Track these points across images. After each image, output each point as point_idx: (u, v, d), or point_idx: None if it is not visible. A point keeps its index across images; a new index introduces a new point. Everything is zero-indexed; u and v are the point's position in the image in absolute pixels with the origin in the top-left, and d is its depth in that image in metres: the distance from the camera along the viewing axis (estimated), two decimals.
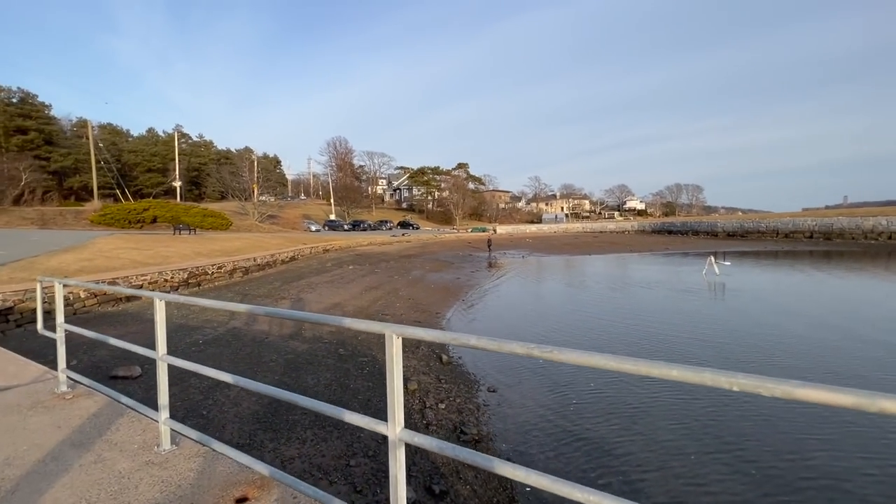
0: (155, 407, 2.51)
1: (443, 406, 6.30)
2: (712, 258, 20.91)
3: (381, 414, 5.91)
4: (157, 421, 2.34)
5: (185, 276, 14.38)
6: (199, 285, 15.02)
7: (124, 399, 2.70)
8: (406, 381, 7.19)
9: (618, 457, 5.16)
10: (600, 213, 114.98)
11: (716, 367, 0.86)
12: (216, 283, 16.07)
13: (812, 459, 5.09)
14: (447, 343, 1.24)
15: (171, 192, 65.54)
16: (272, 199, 63.11)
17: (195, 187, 76.95)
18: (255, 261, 19.49)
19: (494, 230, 65.79)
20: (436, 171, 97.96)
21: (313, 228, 56.06)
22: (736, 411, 6.32)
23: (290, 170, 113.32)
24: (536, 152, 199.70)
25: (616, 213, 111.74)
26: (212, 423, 5.45)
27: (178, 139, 67.27)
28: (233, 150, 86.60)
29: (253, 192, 55.33)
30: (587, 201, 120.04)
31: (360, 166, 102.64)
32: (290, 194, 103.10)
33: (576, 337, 10.66)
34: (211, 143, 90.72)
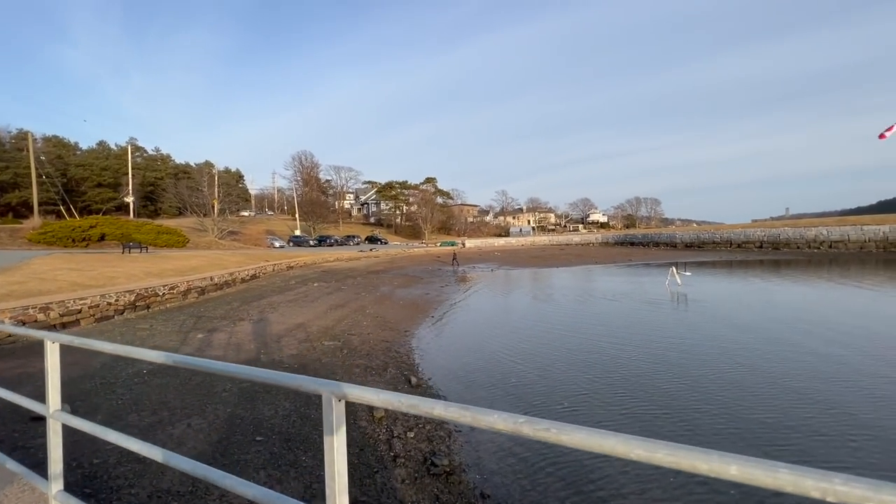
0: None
1: (411, 435, 5.89)
2: (674, 269, 21.52)
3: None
4: (47, 493, 1.87)
5: (132, 298, 13.30)
6: (147, 308, 13.92)
7: (11, 464, 2.18)
8: (372, 407, 6.74)
9: (595, 482, 4.90)
10: (565, 226, 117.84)
11: (786, 458, 0.57)
12: (168, 306, 14.97)
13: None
14: (405, 410, 0.93)
15: (123, 209, 62.03)
16: (245, 214, 60.82)
17: (150, 203, 73.19)
18: (212, 280, 18.40)
19: (463, 244, 65.91)
20: (404, 185, 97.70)
21: (277, 244, 54.26)
22: (711, 425, 6.25)
23: (254, 184, 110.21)
24: (503, 167, 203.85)
25: (580, 226, 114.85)
26: (149, 469, 4.81)
27: (132, 152, 64.00)
28: (192, 164, 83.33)
29: (213, 207, 53.13)
30: (552, 215, 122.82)
31: (327, 181, 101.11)
32: (253, 209, 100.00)
33: (547, 357, 10.47)
34: (168, 156, 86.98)
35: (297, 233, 65.94)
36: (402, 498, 4.56)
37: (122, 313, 12.80)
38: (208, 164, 75.75)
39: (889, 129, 44.47)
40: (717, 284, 22.56)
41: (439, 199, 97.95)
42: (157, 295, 14.40)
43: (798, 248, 43.22)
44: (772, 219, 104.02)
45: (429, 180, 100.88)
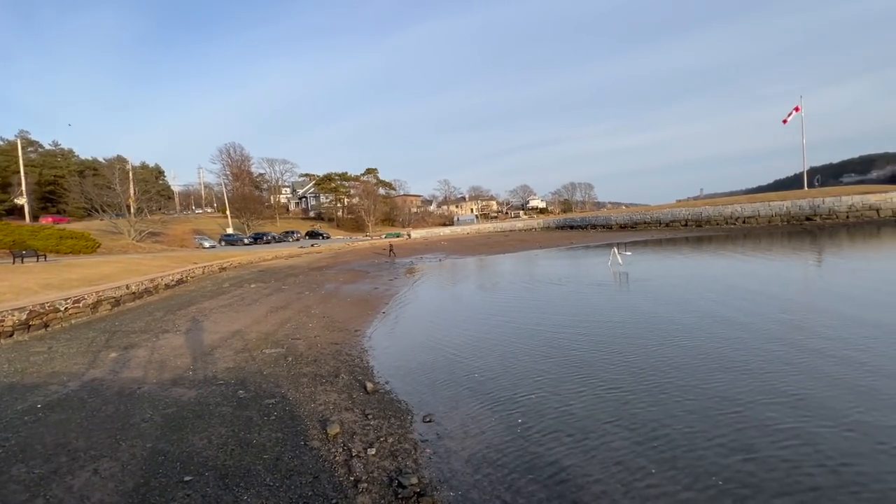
0: None
1: (373, 451, 5.23)
2: (615, 249, 22.31)
3: (294, 475, 4.57)
4: None
5: (24, 316, 11.23)
6: (46, 327, 11.87)
7: None
8: (325, 422, 5.99)
9: (577, 483, 4.57)
10: (507, 213, 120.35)
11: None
12: (73, 322, 12.92)
13: (766, 455, 4.98)
14: None
15: (17, 212, 54.26)
16: (164, 216, 55.27)
17: (50, 204, 64.74)
18: (128, 288, 16.24)
19: (409, 235, 65.01)
20: (344, 177, 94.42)
21: (207, 245, 50.17)
22: (678, 408, 6.18)
23: (177, 181, 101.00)
24: (444, 156, 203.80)
25: (521, 212, 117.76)
26: None
27: (24, 147, 55.85)
28: (101, 159, 74.48)
29: (129, 207, 47.80)
30: (494, 202, 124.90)
31: (260, 174, 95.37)
32: (177, 208, 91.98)
33: (508, 347, 10.19)
34: (71, 151, 77.31)
35: (230, 231, 61.51)
36: None
37: (11, 335, 10.75)
38: (121, 160, 67.90)
39: (790, 113, 49.48)
40: (654, 262, 23.76)
41: (382, 191, 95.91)
42: (56, 311, 12.33)
43: (717, 224, 47.09)
44: (691, 198, 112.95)
45: (370, 171, 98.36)
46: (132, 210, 47.65)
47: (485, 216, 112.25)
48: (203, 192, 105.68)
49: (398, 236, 62.55)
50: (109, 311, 14.68)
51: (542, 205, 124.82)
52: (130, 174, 53.55)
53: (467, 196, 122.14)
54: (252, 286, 20.86)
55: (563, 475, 4.71)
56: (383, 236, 60.97)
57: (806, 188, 53.56)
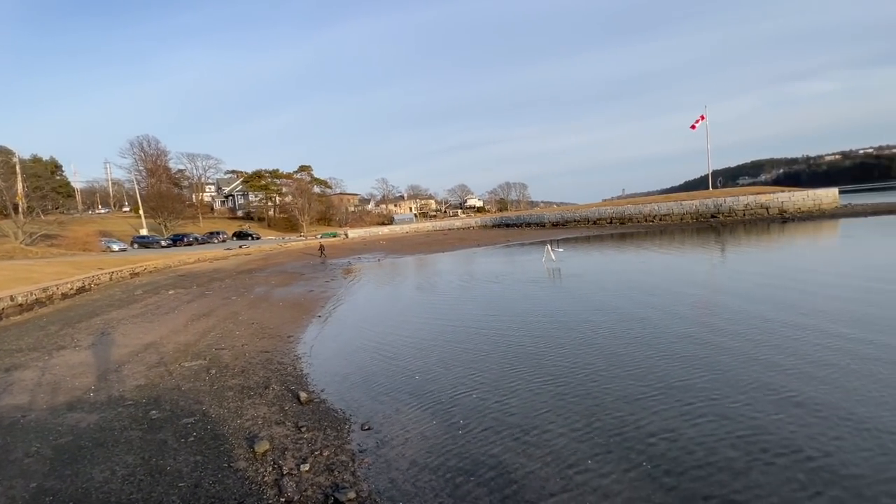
0: None
1: (306, 467, 4.88)
2: (549, 247, 23.23)
3: (216, 503, 4.11)
4: None
5: None
6: None
7: None
8: (253, 439, 5.52)
9: (518, 481, 4.59)
10: (445, 212, 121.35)
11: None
12: None
13: (686, 435, 5.32)
14: None
15: None
16: (62, 216, 48.61)
17: None
18: (12, 300, 14.06)
19: (346, 234, 63.21)
20: (275, 174, 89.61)
21: (116, 248, 45.20)
22: (609, 397, 6.47)
23: (78, 177, 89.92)
24: (382, 155, 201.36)
25: (459, 211, 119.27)
26: None
27: None
28: None
29: (17, 206, 41.64)
30: (433, 201, 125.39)
31: (180, 170, 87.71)
32: (78, 207, 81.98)
33: (447, 348, 10.15)
34: None
35: (144, 232, 55.79)
36: None
37: None
38: (5, 151, 58.88)
39: (697, 121, 54.45)
40: (584, 258, 25.07)
41: (317, 189, 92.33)
42: None
43: (638, 222, 50.92)
44: (615, 198, 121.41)
45: (303, 168, 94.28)
46: (20, 209, 41.60)
47: (424, 215, 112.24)
48: (111, 190, 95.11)
49: (335, 236, 60.62)
50: None
51: (479, 204, 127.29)
52: (17, 168, 46.66)
53: (406, 195, 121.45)
54: (170, 293, 19.03)
55: (504, 474, 4.70)
56: (319, 236, 58.65)
57: (711, 189, 59.59)
